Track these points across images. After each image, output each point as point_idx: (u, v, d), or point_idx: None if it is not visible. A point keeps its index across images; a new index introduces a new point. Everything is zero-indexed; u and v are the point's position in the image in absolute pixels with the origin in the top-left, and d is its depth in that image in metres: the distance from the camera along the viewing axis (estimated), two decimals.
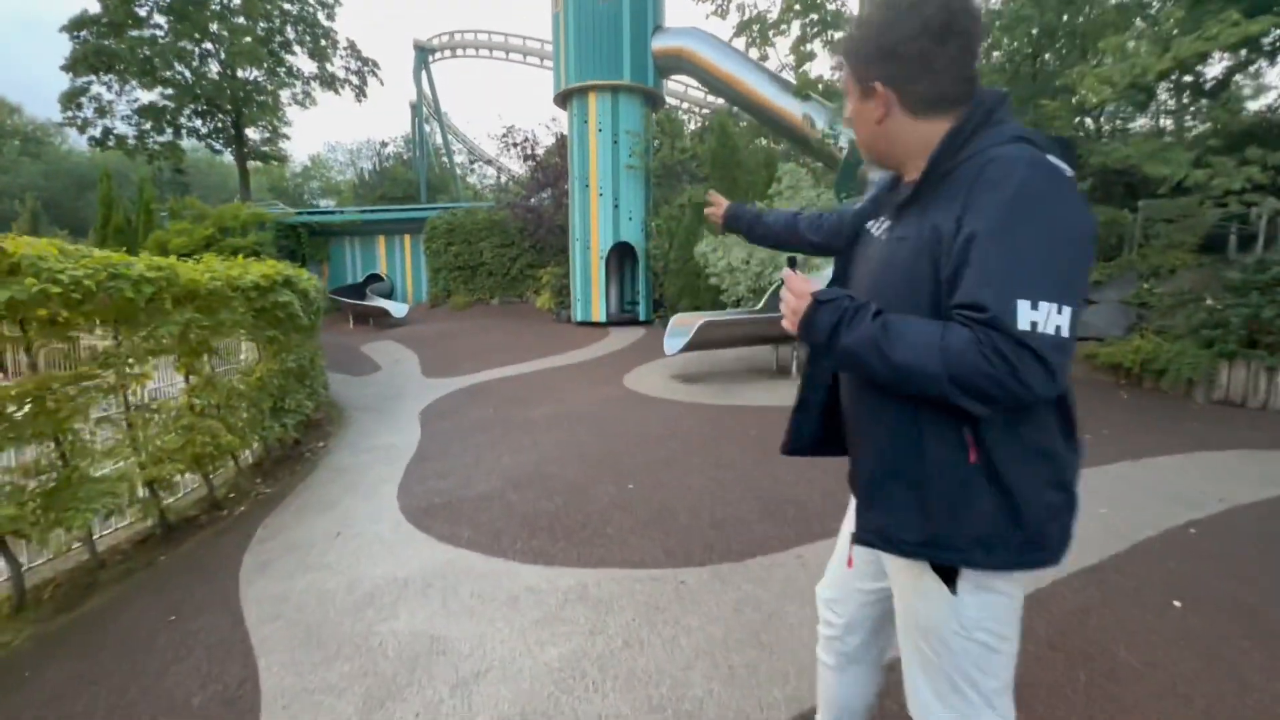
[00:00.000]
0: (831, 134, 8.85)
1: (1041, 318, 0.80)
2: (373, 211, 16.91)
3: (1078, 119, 7.60)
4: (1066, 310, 0.81)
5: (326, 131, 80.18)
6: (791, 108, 9.73)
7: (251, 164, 26.28)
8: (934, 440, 0.95)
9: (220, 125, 22.39)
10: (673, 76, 11.73)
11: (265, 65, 21.88)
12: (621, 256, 11.91)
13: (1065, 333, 0.81)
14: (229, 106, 21.67)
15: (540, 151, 13.32)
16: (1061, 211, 0.83)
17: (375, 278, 16.10)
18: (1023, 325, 0.80)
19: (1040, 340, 0.80)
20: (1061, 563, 0.97)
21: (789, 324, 0.99)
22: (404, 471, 4.47)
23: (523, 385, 7.44)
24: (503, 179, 17.56)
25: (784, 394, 6.29)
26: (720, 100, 15.02)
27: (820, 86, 9.94)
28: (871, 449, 1.05)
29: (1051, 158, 0.88)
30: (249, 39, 19.82)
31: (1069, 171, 0.87)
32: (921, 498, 0.97)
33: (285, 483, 4.38)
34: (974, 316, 0.82)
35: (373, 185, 25.34)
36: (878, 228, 1.12)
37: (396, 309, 13.16)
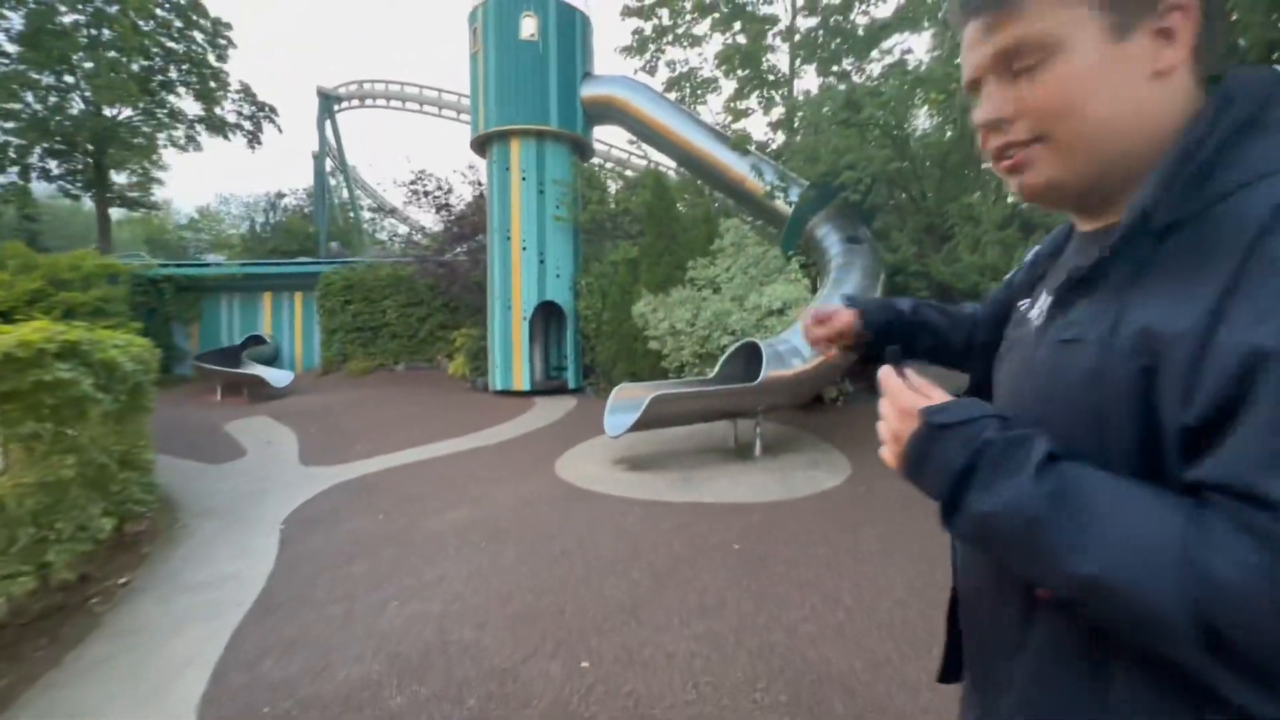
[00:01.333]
0: (783, 184, 8.27)
1: None
2: (255, 264, 14.85)
3: None
4: None
5: (221, 183, 75.16)
6: (730, 161, 9.17)
7: (118, 212, 23.29)
8: (1131, 706, 0.51)
9: (78, 167, 19.59)
10: (602, 128, 11.03)
11: (140, 105, 19.57)
12: (547, 317, 10.71)
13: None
14: (89, 146, 19.04)
15: (455, 201, 12.10)
16: None
17: (257, 340, 13.93)
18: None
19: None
20: None
21: (889, 457, 0.63)
22: (229, 640, 2.92)
23: (427, 476, 5.92)
24: (410, 233, 16.01)
25: (757, 483, 5.19)
26: (645, 159, 14.59)
27: (753, 144, 9.51)
28: (1005, 683, 0.62)
29: None
30: (120, 74, 17.59)
31: None
32: None
33: (24, 668, 2.69)
34: (1262, 523, 0.41)
35: (265, 239, 22.99)
36: (1034, 309, 0.68)
37: (277, 377, 11.16)
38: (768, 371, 5.86)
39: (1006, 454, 0.53)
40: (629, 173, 17.07)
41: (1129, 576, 0.45)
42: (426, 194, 11.95)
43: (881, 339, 1.00)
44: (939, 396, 0.61)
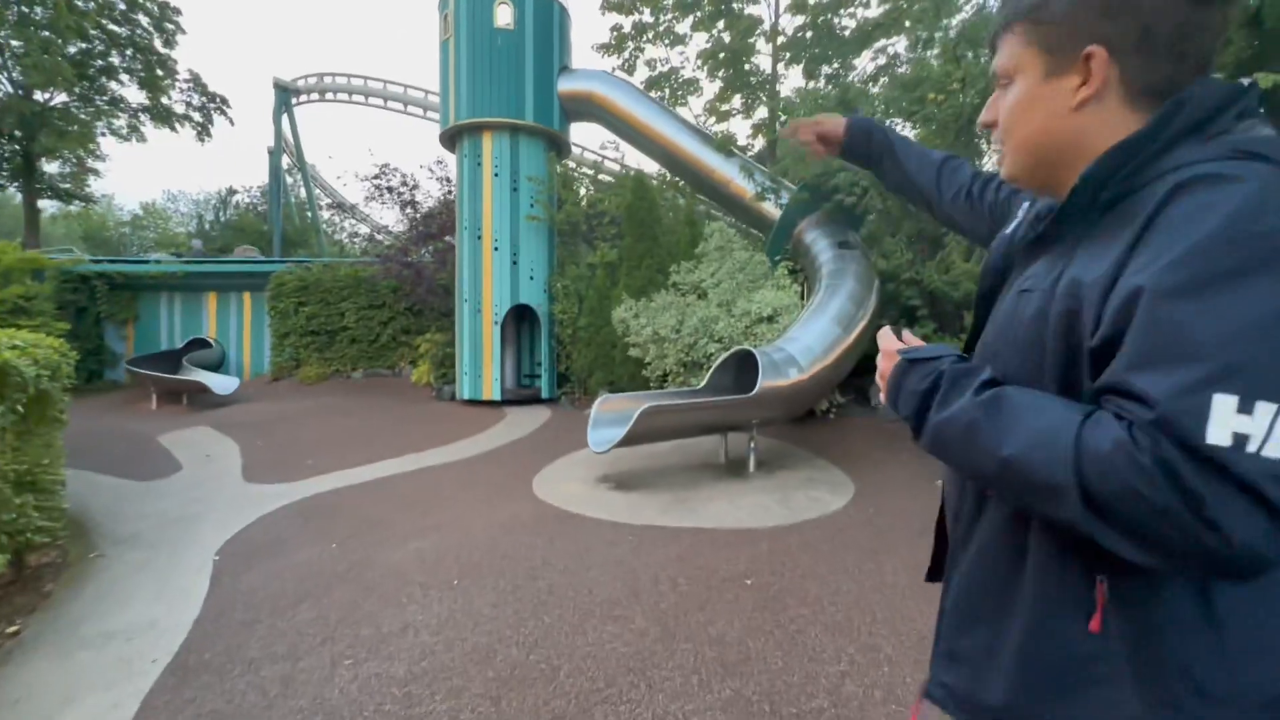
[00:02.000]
0: (773, 186, 7.90)
1: (1258, 427, 0.50)
2: (200, 262, 13.80)
3: None
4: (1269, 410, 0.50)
5: (172, 179, 71.66)
6: (715, 163, 8.80)
7: (52, 205, 21.66)
8: (1040, 576, 0.70)
9: (3, 154, 18.08)
10: (577, 128, 10.56)
11: (76, 90, 18.22)
12: (520, 321, 10.13)
13: (1235, 435, 0.50)
14: (18, 132, 17.58)
15: (422, 198, 11.42)
16: None
17: (200, 343, 12.89)
18: (1216, 437, 0.51)
19: (1251, 465, 0.50)
20: None
21: (883, 394, 0.83)
22: (133, 718, 2.32)
23: (388, 497, 5.30)
24: (371, 232, 15.09)
25: (757, 505, 4.74)
26: (620, 164, 14.16)
27: (736, 144, 9.18)
28: (962, 563, 0.82)
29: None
30: (54, 57, 16.28)
31: None
32: (1001, 648, 0.72)
33: None
34: (1130, 410, 0.56)
35: (213, 237, 21.68)
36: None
37: (220, 383, 10.25)
38: (764, 381, 5.45)
39: (957, 380, 0.71)
40: (603, 177, 16.63)
41: (1036, 455, 0.60)
42: (390, 190, 11.24)
43: (860, 148, 1.26)
44: (917, 344, 0.82)
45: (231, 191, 24.35)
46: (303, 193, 22.14)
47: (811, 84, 8.89)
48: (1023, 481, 0.61)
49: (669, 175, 10.20)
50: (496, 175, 9.06)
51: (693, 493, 5.06)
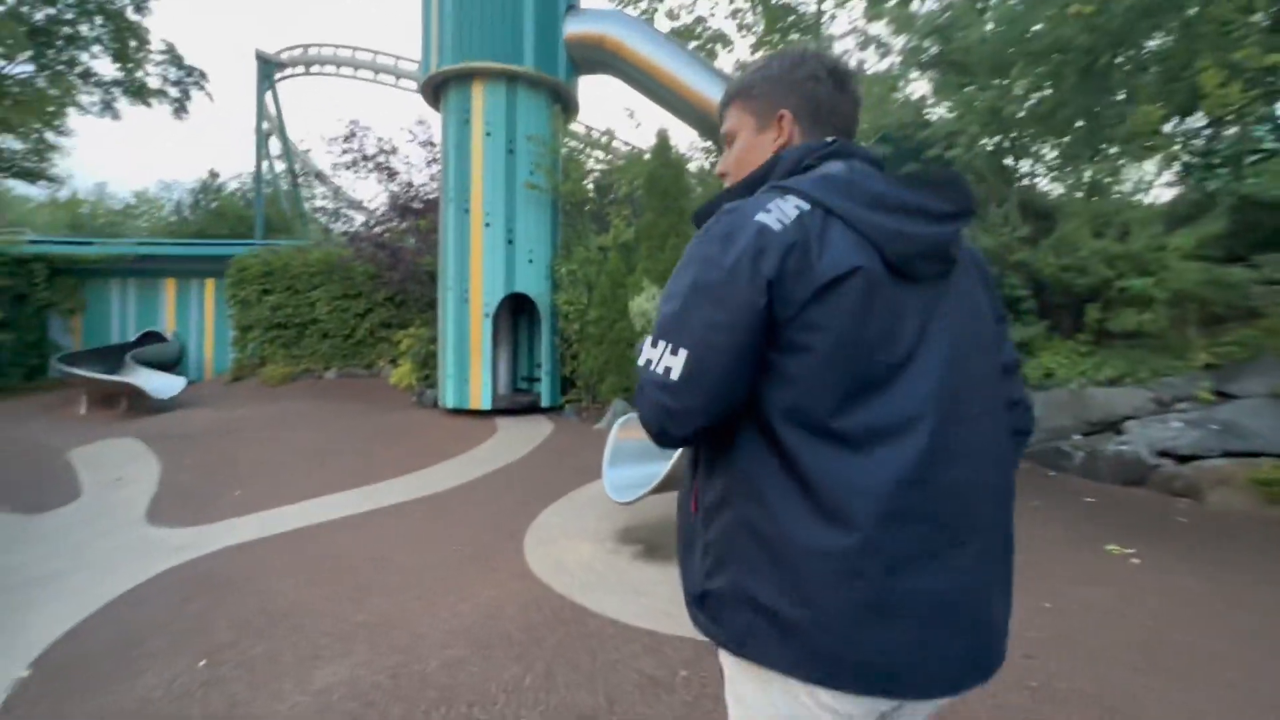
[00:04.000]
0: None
1: (655, 356, 0.84)
2: (150, 244, 12.20)
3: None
4: (681, 353, 0.81)
5: (167, 168, 69.93)
6: None
7: (36, 192, 20.09)
8: (684, 482, 0.99)
9: None
10: (586, 85, 8.89)
11: (35, 58, 16.61)
12: (516, 314, 8.49)
13: (674, 374, 0.82)
14: None
15: (402, 167, 9.75)
16: (703, 253, 0.83)
17: (155, 336, 11.31)
18: (640, 360, 0.87)
19: (645, 375, 0.86)
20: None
21: None
22: None
23: (317, 560, 3.68)
24: (338, 206, 13.35)
25: None
26: (628, 145, 12.48)
27: None
28: None
29: (775, 206, 0.83)
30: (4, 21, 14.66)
31: (778, 220, 0.81)
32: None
33: None
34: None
35: (190, 222, 20.12)
36: None
37: (158, 385, 8.64)
38: None
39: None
40: (608, 158, 14.93)
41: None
42: (365, 157, 9.58)
43: None
44: None
45: (214, 175, 22.72)
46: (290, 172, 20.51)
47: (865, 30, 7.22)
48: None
49: (699, 139, 8.51)
50: (489, 135, 7.40)
51: None
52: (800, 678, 0.80)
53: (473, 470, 5.59)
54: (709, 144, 8.41)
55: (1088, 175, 5.65)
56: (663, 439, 0.86)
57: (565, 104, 8.09)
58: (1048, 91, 5.37)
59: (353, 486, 5.22)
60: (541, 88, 7.65)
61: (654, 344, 0.84)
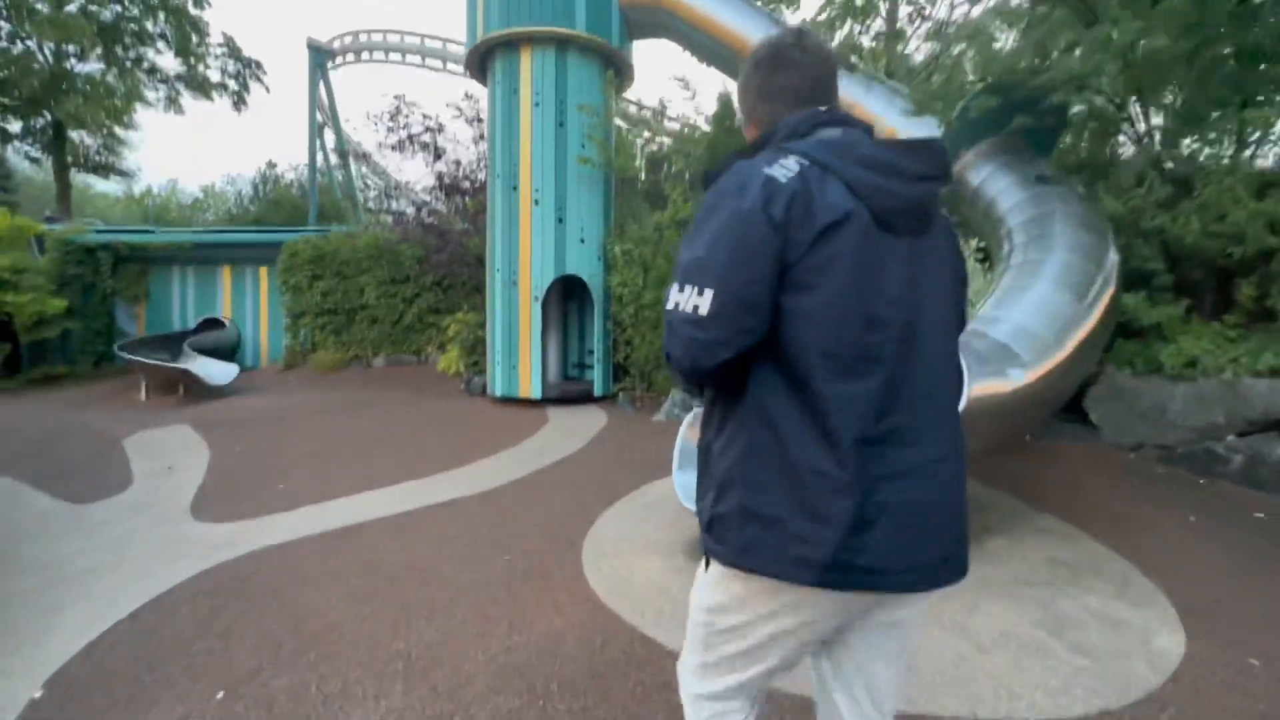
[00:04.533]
0: (920, 107, 5.42)
1: (683, 299, 0.94)
2: (206, 232, 12.32)
3: None
4: (708, 292, 0.92)
5: (230, 162, 72.87)
6: (841, 88, 6.39)
7: (113, 187, 20.97)
8: (706, 429, 1.10)
9: (36, 125, 17.26)
10: (646, 40, 8.27)
11: (102, 53, 17.16)
12: (567, 298, 8.05)
13: (703, 310, 0.92)
14: (51, 101, 16.64)
15: (448, 145, 9.40)
16: (721, 203, 0.95)
17: (214, 323, 11.45)
18: (669, 305, 0.97)
19: (674, 316, 0.95)
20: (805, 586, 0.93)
21: None
22: None
23: (356, 566, 3.32)
24: (384, 187, 13.09)
25: (1004, 633, 2.49)
26: (677, 121, 11.76)
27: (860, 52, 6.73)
28: None
29: (779, 163, 0.95)
30: (69, 12, 15.09)
31: (783, 173, 0.93)
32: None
33: None
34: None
35: (249, 211, 20.58)
36: None
37: (214, 372, 8.63)
38: (972, 387, 3.18)
39: None
40: (661, 139, 14.27)
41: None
42: (411, 136, 9.27)
43: None
44: None
45: (271, 165, 23.21)
46: (337, 159, 20.69)
47: None
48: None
49: None
50: (538, 105, 6.92)
51: None
52: (796, 580, 0.94)
53: (524, 465, 5.17)
54: None
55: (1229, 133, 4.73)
56: (694, 374, 0.97)
57: (619, 70, 7.52)
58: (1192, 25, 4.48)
59: (398, 481, 4.89)
60: (593, 53, 7.11)
61: (680, 289, 0.95)
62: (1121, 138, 5.28)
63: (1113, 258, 4.27)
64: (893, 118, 6.18)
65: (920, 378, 0.96)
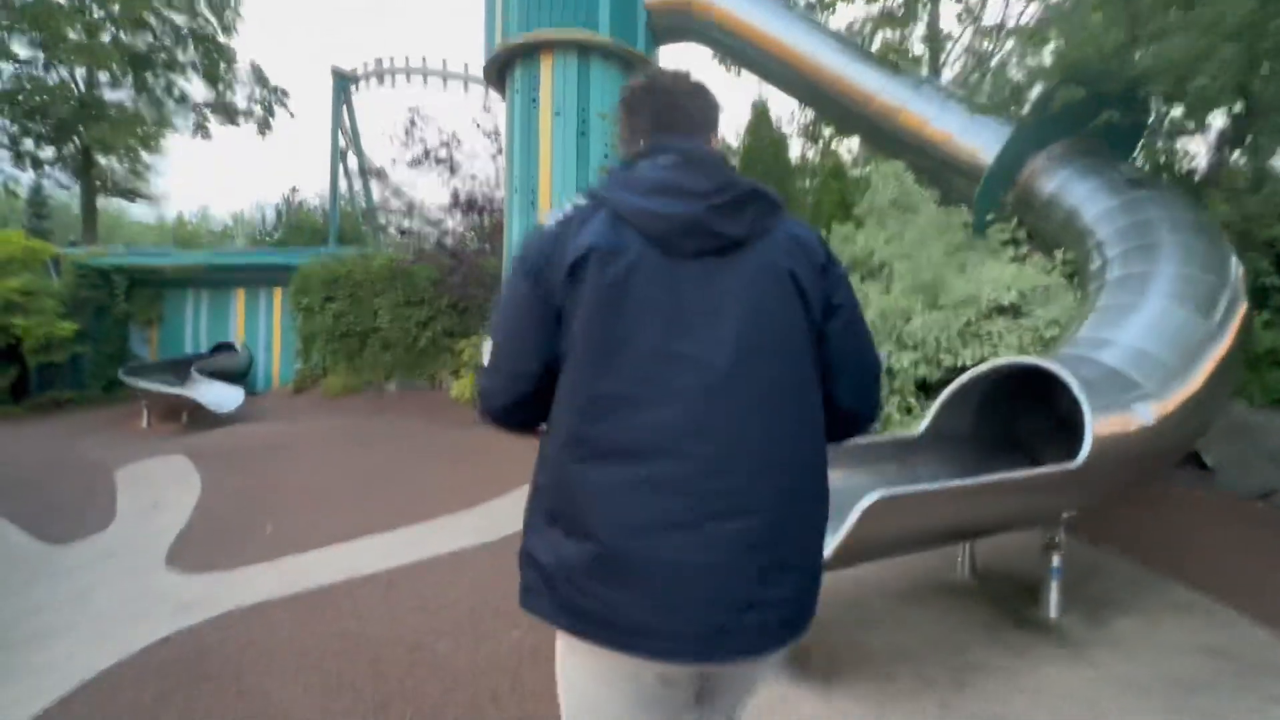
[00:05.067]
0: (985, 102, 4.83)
1: (485, 347, 1.01)
2: (221, 255, 12.12)
3: None
4: (489, 344, 0.99)
5: (259, 189, 74.64)
6: (873, 84, 5.88)
7: (146, 212, 21.20)
8: None
9: (65, 152, 17.49)
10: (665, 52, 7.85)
11: (133, 81, 17.41)
12: None
13: (484, 360, 1.00)
14: (79, 128, 16.86)
15: (464, 159, 9.05)
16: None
17: (226, 347, 11.14)
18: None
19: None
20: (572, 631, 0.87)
21: None
22: None
23: (348, 644, 2.74)
24: (399, 208, 12.81)
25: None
26: None
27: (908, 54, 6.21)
28: None
29: (562, 208, 0.96)
30: (100, 41, 15.30)
31: (553, 219, 0.96)
32: None
33: None
34: None
35: (271, 234, 20.63)
36: None
37: (219, 398, 8.23)
38: (1095, 427, 2.55)
39: None
40: None
41: None
42: (427, 153, 8.93)
43: None
44: None
45: (294, 190, 23.36)
46: (359, 185, 20.72)
47: None
48: None
49: (801, 111, 7.28)
50: (558, 114, 6.49)
51: (963, 696, 2.18)
52: (558, 625, 0.89)
53: None
54: (811, 117, 7.15)
55: None
56: (487, 416, 1.01)
57: None
58: None
59: (397, 525, 4.34)
60: (617, 60, 6.68)
61: (486, 342, 1.00)
62: (1218, 137, 4.64)
63: (1236, 268, 3.61)
64: (946, 120, 5.63)
65: (706, 415, 0.86)
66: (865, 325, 1.04)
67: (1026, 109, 4.53)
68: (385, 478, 5.60)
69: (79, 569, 4.14)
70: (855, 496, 2.20)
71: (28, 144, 17.44)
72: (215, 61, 19.43)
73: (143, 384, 8.28)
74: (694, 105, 1.06)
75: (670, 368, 0.86)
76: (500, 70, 7.02)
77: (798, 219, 1.01)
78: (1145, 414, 2.80)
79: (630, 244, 0.88)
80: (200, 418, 8.36)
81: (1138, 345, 3.15)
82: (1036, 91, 4.64)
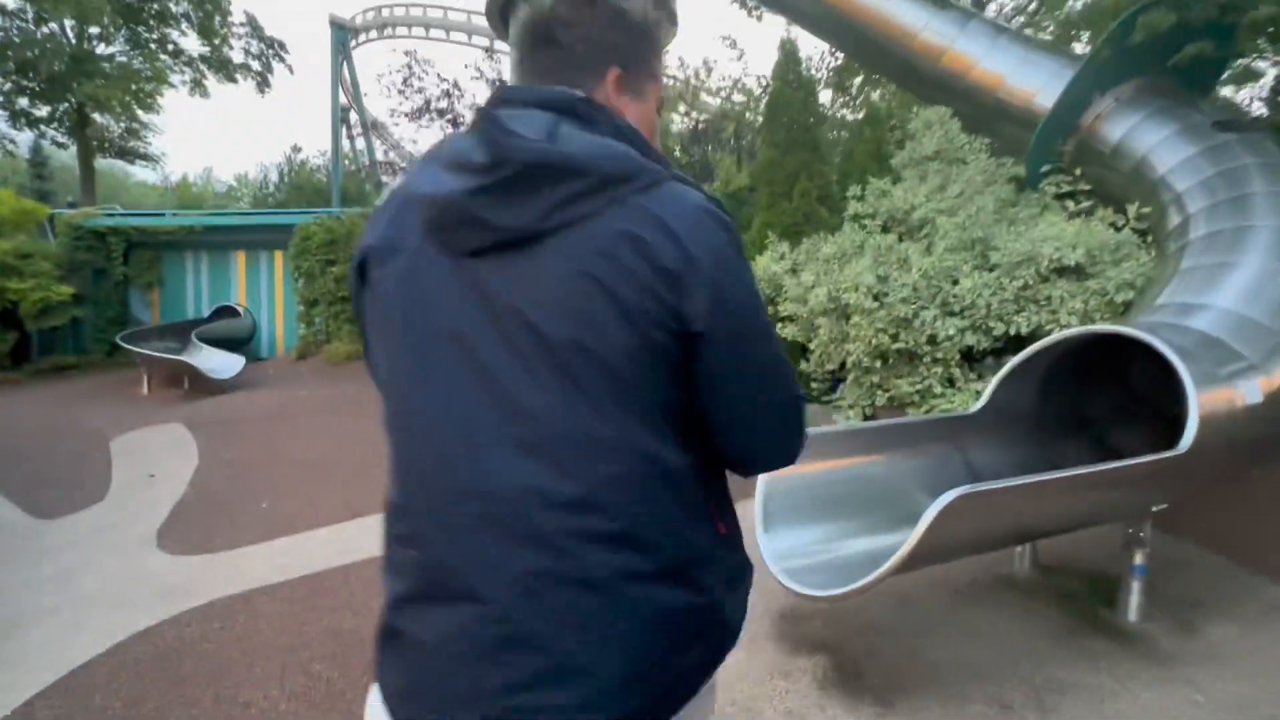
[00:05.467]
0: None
1: None
2: (218, 214, 11.72)
3: None
4: None
5: (262, 150, 73.53)
6: (915, 20, 5.31)
7: (150, 174, 20.82)
8: None
9: (60, 109, 16.98)
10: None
11: (126, 34, 16.75)
12: None
13: None
14: (73, 84, 16.30)
15: (467, 111, 8.53)
16: None
17: (228, 311, 10.84)
18: None
19: None
20: None
21: None
22: None
23: (340, 636, 2.48)
24: (395, 161, 12.30)
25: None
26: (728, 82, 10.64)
27: None
28: None
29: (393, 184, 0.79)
30: None
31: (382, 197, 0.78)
32: None
33: None
34: None
35: (273, 195, 20.17)
36: None
37: (218, 364, 7.97)
38: (1199, 406, 2.18)
39: None
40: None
41: None
42: (427, 104, 8.40)
43: None
44: None
45: (296, 150, 22.79)
46: (362, 142, 20.10)
47: None
48: None
49: (831, 54, 6.67)
50: None
51: (1038, 696, 1.86)
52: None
53: None
54: (839, 59, 6.53)
55: None
56: None
57: None
58: None
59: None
60: None
61: None
62: None
63: None
64: (996, 59, 5.08)
65: (449, 473, 0.65)
66: (768, 349, 0.69)
67: (1096, 44, 3.99)
68: (371, 454, 5.33)
69: (66, 547, 3.92)
70: (901, 482, 1.85)
71: (22, 102, 16.97)
72: (210, 14, 18.65)
73: (141, 350, 8.01)
74: (575, 30, 0.73)
75: (416, 420, 0.69)
76: (502, 9, 6.44)
77: (679, 194, 0.64)
78: (1251, 390, 2.42)
79: (408, 240, 0.68)
80: (201, 384, 8.12)
81: (1237, 310, 2.74)
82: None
